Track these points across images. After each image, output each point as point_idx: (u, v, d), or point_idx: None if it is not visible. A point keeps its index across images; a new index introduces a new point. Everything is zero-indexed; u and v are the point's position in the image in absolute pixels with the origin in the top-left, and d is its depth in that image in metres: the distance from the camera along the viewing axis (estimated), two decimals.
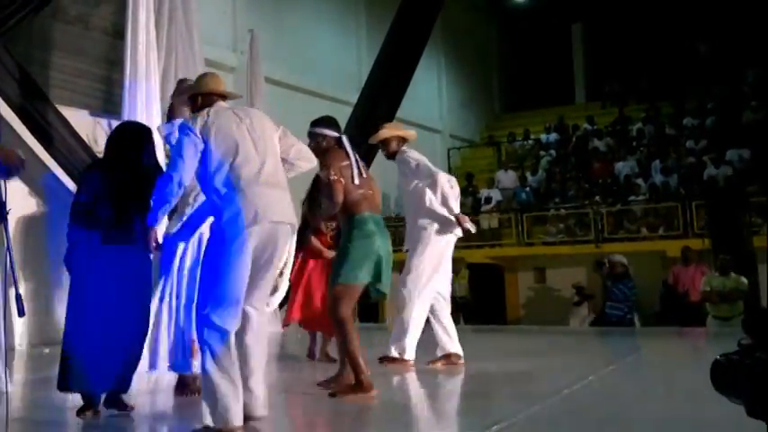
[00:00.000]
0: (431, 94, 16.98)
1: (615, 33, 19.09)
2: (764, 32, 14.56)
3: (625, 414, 3.87)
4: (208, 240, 3.51)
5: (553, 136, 17.63)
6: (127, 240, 3.80)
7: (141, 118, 6.45)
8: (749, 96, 15.91)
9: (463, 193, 9.20)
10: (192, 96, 3.79)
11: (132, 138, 3.99)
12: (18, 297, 3.44)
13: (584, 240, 13.82)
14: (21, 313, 3.47)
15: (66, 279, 4.06)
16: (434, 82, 17.49)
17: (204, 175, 3.47)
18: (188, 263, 4.34)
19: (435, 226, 5.36)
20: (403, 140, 5.50)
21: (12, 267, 3.31)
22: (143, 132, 4.07)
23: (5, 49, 6.96)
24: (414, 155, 5.45)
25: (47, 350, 7.23)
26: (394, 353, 5.29)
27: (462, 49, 18.80)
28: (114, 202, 3.77)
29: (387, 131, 5.49)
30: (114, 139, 4.04)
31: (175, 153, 3.49)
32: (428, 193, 5.36)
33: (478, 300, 13.10)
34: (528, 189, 15.41)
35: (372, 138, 5.53)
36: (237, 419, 3.26)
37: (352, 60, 14.03)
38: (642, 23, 18.54)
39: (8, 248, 3.25)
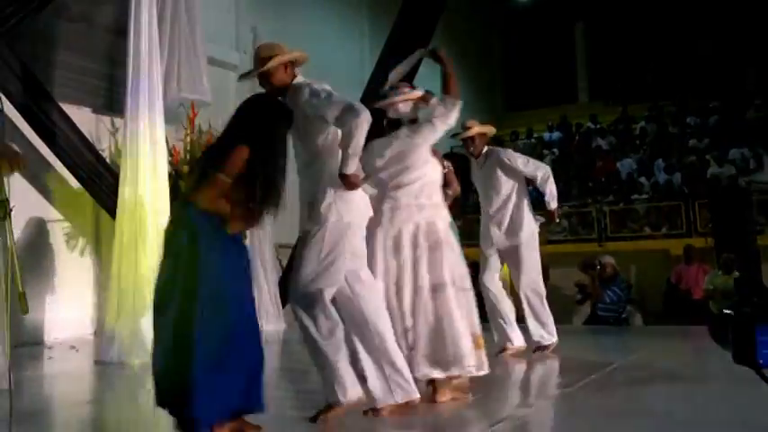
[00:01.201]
0: (434, 93, 16.97)
1: (618, 32, 19.05)
2: (765, 31, 14.54)
3: (627, 412, 3.86)
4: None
5: (556, 134, 17.62)
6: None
7: (144, 116, 6.45)
8: (752, 95, 15.88)
9: (466, 191, 9.30)
10: (277, 67, 3.54)
11: (286, 117, 3.38)
12: (21, 294, 3.45)
13: (587, 239, 13.81)
14: (24, 310, 3.48)
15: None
16: (437, 81, 17.45)
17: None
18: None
19: (534, 221, 5.80)
20: (485, 137, 5.70)
21: (16, 264, 3.31)
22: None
23: (8, 46, 6.96)
24: (512, 152, 5.86)
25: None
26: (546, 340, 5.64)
27: (465, 48, 18.76)
28: (254, 185, 3.17)
29: (477, 128, 5.67)
30: (264, 113, 3.33)
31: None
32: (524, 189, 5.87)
33: (481, 297, 13.09)
34: (531, 187, 15.38)
35: (463, 134, 5.68)
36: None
37: (355, 59, 14.01)
38: (645, 22, 18.50)
39: (12, 245, 3.26)
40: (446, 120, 4.11)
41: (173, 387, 3.00)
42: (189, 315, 2.98)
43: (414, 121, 4.19)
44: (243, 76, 3.91)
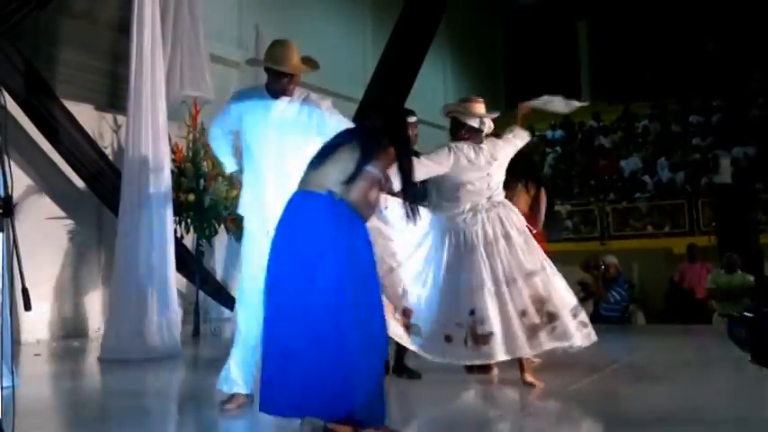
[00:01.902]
0: (436, 91, 16.95)
1: (621, 30, 19.02)
2: None
3: (630, 411, 3.86)
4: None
5: (558, 132, 17.61)
6: None
7: (146, 113, 6.45)
8: (755, 94, 15.85)
9: None
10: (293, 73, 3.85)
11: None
12: (24, 291, 3.44)
13: (589, 237, 13.79)
14: (27, 307, 3.47)
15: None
16: (440, 79, 17.45)
17: None
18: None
19: None
20: None
21: (19, 261, 3.30)
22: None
23: (11, 43, 6.96)
24: None
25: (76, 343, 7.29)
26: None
27: (468, 45, 18.75)
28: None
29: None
30: (401, 119, 3.54)
31: None
32: None
33: None
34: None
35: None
36: None
37: (358, 56, 14.00)
38: (648, 20, 18.47)
39: (15, 242, 3.25)
40: (522, 144, 4.86)
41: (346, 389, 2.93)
42: (372, 314, 3.05)
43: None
44: (293, 71, 3.90)
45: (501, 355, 4.19)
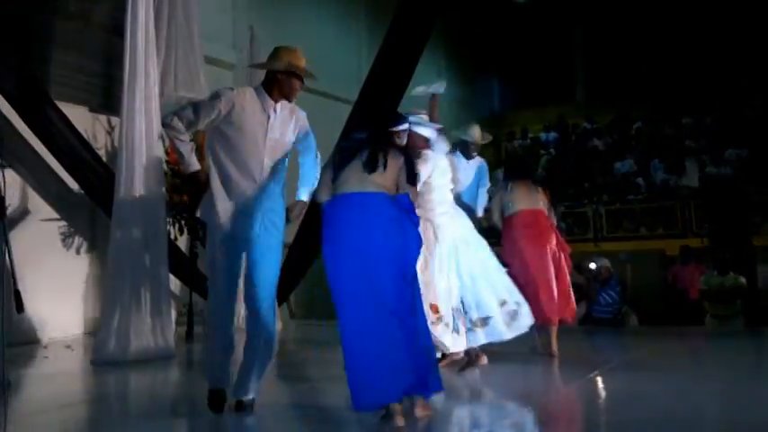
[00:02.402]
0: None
1: (615, 33, 19.05)
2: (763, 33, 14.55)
3: (624, 411, 3.87)
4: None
5: (552, 135, 17.62)
6: None
7: (140, 115, 6.44)
8: (749, 95, 15.89)
9: None
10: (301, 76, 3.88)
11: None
12: (17, 293, 3.43)
13: (582, 239, 13.81)
14: (19, 309, 3.46)
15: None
16: (434, 81, 17.45)
17: None
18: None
19: None
20: None
21: (11, 263, 3.29)
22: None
23: (5, 44, 6.94)
24: None
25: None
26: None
27: (462, 47, 18.76)
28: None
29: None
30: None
31: None
32: None
33: None
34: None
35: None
36: None
37: (353, 58, 14.00)
38: (643, 22, 18.51)
39: (7, 243, 3.25)
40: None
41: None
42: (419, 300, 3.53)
43: None
44: (309, 77, 3.94)
45: (506, 334, 4.89)
